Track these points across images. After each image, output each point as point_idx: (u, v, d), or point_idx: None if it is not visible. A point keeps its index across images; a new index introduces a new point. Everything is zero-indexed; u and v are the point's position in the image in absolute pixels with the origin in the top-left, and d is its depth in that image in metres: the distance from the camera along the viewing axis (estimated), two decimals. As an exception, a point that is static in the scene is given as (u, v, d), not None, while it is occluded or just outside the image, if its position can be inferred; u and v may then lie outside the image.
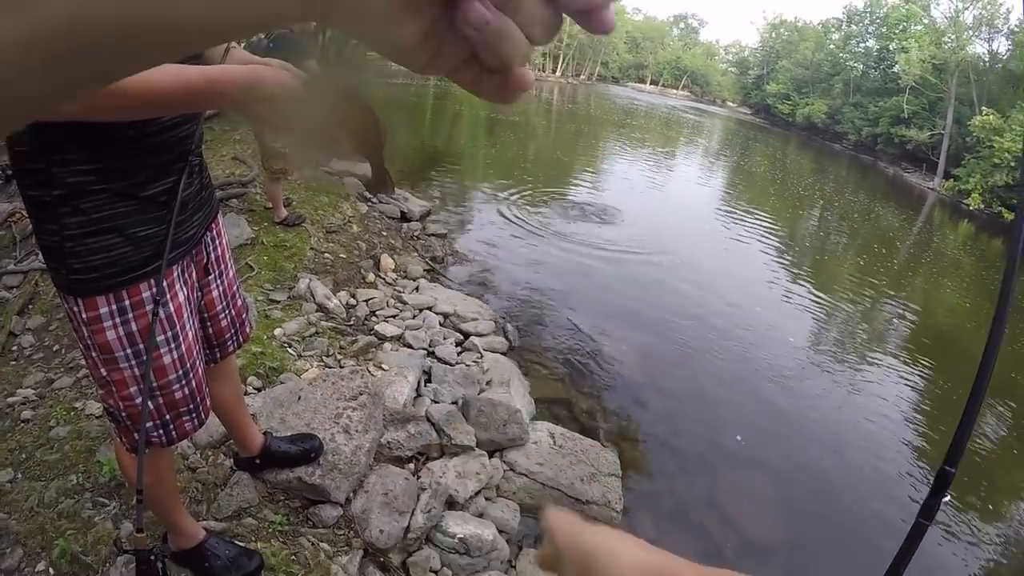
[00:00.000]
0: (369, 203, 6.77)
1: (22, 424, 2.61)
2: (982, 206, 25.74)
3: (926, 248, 14.32)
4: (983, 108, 28.08)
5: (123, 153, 1.27)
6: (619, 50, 73.70)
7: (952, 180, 29.04)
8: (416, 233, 6.67)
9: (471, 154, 13.30)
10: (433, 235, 6.79)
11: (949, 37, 34.77)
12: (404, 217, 6.99)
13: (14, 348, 3.25)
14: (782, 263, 9.12)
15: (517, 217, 8.34)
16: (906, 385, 5.92)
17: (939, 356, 6.99)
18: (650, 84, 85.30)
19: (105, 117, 1.17)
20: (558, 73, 60.24)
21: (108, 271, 1.34)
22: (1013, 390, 6.28)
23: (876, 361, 6.34)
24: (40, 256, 3.83)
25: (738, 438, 4.27)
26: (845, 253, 11.50)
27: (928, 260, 12.79)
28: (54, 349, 3.24)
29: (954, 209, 25.26)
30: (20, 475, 2.32)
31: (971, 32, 33.89)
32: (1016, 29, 31.42)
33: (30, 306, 3.57)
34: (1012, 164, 24.55)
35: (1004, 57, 32.78)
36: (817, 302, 7.70)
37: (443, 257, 6.26)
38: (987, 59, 33.65)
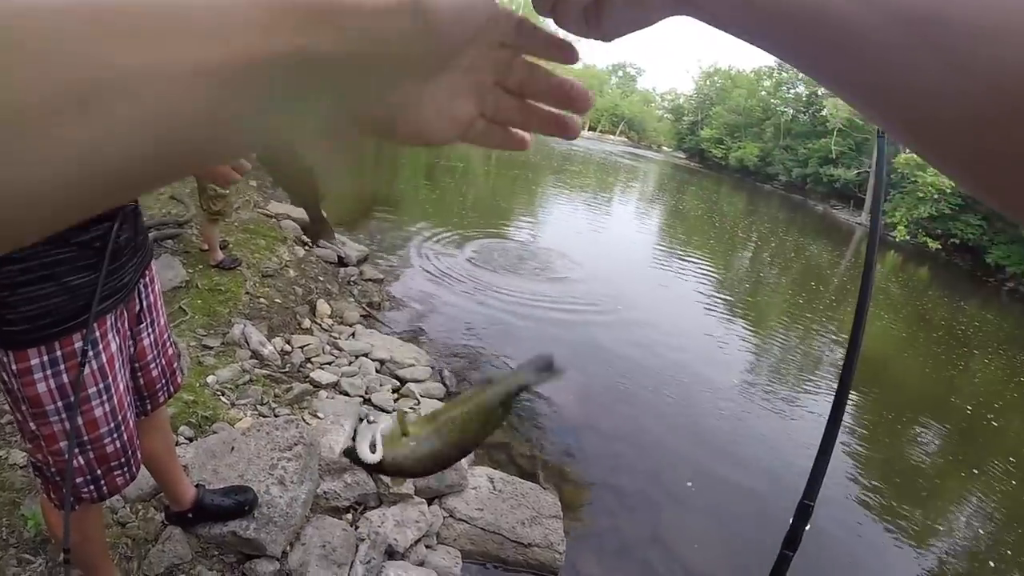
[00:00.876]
0: (306, 247, 6.71)
1: None
2: (908, 237, 27.32)
3: (855, 280, 14.92)
4: (907, 148, 29.57)
5: None
6: (558, 98, 75.40)
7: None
8: (353, 278, 6.62)
9: (410, 198, 13.31)
10: (370, 280, 6.75)
11: None
12: (341, 262, 6.94)
13: None
14: (718, 302, 9.37)
15: (455, 262, 8.37)
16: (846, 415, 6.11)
17: (870, 382, 7.30)
18: (588, 130, 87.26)
19: None
20: (499, 121, 61.21)
21: (41, 322, 1.31)
22: (947, 412, 6.63)
23: (809, 392, 6.55)
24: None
25: (679, 474, 4.34)
26: (778, 289, 11.89)
27: (857, 291, 13.30)
28: (-28, 397, 3.09)
29: (881, 242, 26.39)
30: None
31: None
32: None
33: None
34: (935, 197, 26.20)
35: None
36: (753, 338, 7.93)
37: (380, 302, 6.23)
38: None
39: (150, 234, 1.57)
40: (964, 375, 8.85)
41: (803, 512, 1.24)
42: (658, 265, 10.99)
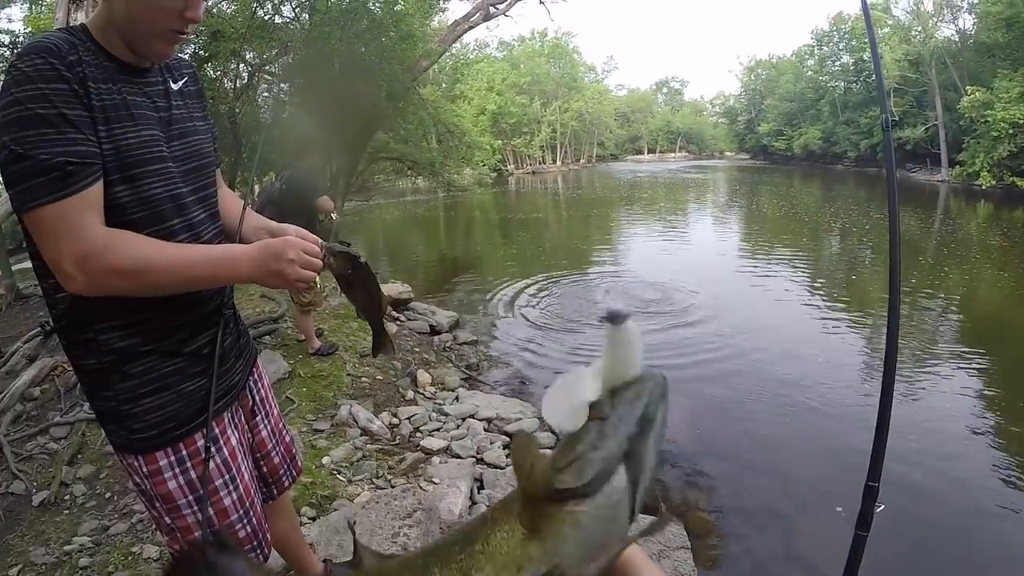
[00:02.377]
0: (398, 322, 6.90)
1: (80, 571, 2.68)
2: (994, 182, 25.37)
3: (952, 239, 14.12)
4: (967, 88, 27.90)
5: (160, 313, 1.34)
6: (611, 127, 75.41)
7: (959, 166, 28.72)
8: (448, 344, 6.75)
9: (489, 258, 13.57)
10: (465, 343, 6.87)
11: (916, 30, 34.93)
12: (433, 330, 7.10)
13: (67, 498, 3.33)
14: (817, 296, 8.99)
15: (543, 313, 8.42)
16: (966, 383, 5.74)
17: (993, 346, 6.80)
18: (648, 153, 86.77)
19: (139, 293, 1.27)
20: (558, 162, 61.63)
21: (165, 427, 1.40)
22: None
23: (934, 367, 6.14)
24: (85, 407, 3.98)
25: (805, 488, 4.11)
26: (875, 269, 11.28)
27: (957, 250, 12.62)
28: (106, 496, 3.31)
29: (968, 194, 24.93)
30: None
31: (935, 18, 33.98)
32: (976, 1, 31.10)
33: (79, 456, 3.68)
34: (1011, 132, 24.28)
35: (972, 32, 32.46)
36: (859, 325, 7.52)
37: (478, 363, 6.31)
38: (957, 39, 33.43)
39: (249, 334, 1.68)
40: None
41: (870, 493, 1.21)
42: (753, 271, 10.65)
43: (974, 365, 6.11)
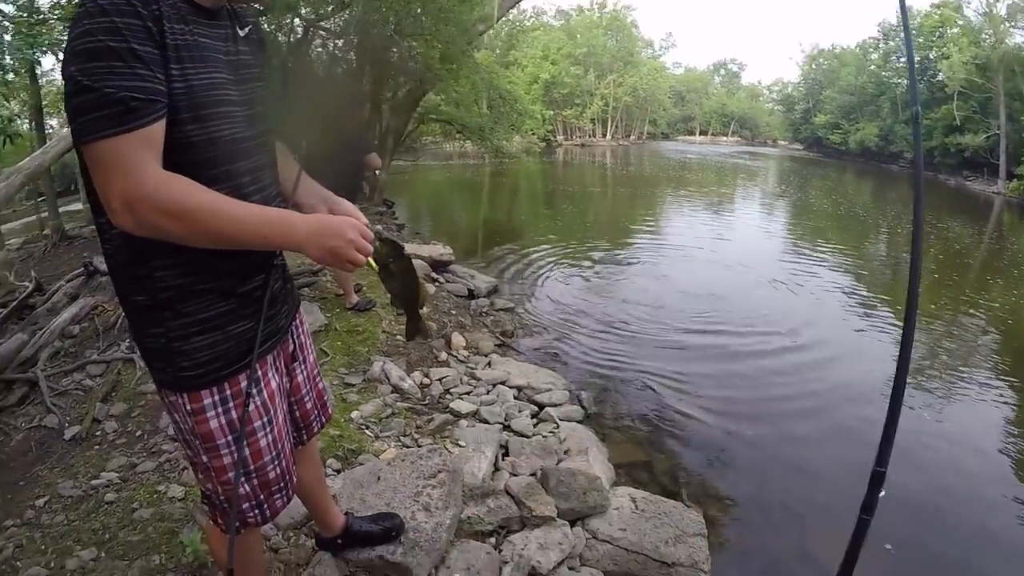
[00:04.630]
0: (436, 283, 6.93)
1: (106, 506, 2.74)
2: None
3: (999, 254, 13.61)
4: None
5: (214, 254, 1.35)
6: (665, 106, 73.98)
7: (1016, 180, 27.61)
8: (484, 309, 6.76)
9: (532, 227, 13.50)
10: (501, 310, 6.87)
11: (987, 33, 33.16)
12: (471, 295, 7.12)
13: (98, 433, 3.42)
14: (857, 296, 8.78)
15: (581, 285, 8.39)
16: (995, 401, 5.59)
17: None
18: (699, 135, 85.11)
19: (187, 242, 1.26)
20: (608, 137, 60.84)
21: (212, 366, 1.43)
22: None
23: (961, 385, 5.94)
24: (122, 346, 4.08)
25: (827, 486, 4.04)
26: (922, 276, 10.97)
27: (1003, 265, 12.17)
28: (136, 435, 3.40)
29: (1023, 210, 24.06)
30: (104, 554, 2.42)
31: (1008, 23, 32.09)
32: None
33: (113, 394, 3.77)
34: None
35: None
36: (893, 330, 7.27)
37: (513, 331, 6.31)
38: None
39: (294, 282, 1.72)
40: None
41: (876, 479, 1.24)
42: (792, 268, 10.41)
43: (999, 388, 5.89)
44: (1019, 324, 8.23)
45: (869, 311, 8.11)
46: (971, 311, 8.54)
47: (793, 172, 35.98)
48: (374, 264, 1.55)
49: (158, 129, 1.18)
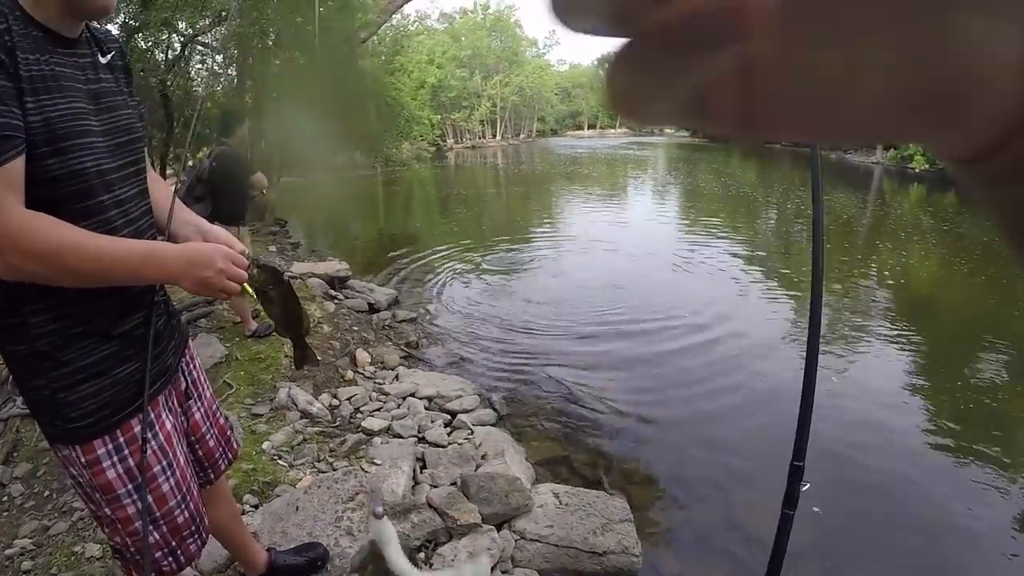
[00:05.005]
0: (336, 301, 6.81)
1: (23, 575, 2.57)
2: (927, 166, 26.03)
3: (884, 219, 14.69)
4: None
5: (88, 294, 1.31)
6: (552, 103, 75.36)
7: (893, 149, 29.58)
8: (387, 322, 6.69)
9: (429, 234, 13.45)
10: (404, 321, 6.82)
11: None
12: (372, 308, 7.03)
13: (4, 499, 3.21)
14: (754, 272, 9.18)
15: (482, 288, 8.43)
16: (897, 358, 6.03)
17: (921, 317, 7.25)
18: (588, 129, 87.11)
19: (58, 282, 1.22)
20: (498, 137, 61.36)
21: (101, 414, 1.39)
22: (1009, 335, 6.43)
23: (865, 344, 6.38)
24: (17, 402, 3.82)
25: (745, 455, 4.25)
26: (808, 248, 11.61)
27: (889, 229, 13.11)
28: (45, 495, 3.20)
29: (901, 176, 25.90)
30: None
31: None
32: None
33: (14, 454, 3.54)
34: None
35: None
36: (791, 301, 7.72)
37: (417, 341, 6.28)
38: None
39: (183, 316, 1.65)
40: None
41: (796, 473, 1.31)
42: (690, 248, 10.77)
43: (900, 342, 6.37)
44: (909, 281, 8.91)
45: (767, 285, 8.53)
46: (865, 273, 9.19)
47: (681, 159, 37.24)
48: (250, 291, 1.53)
49: (17, 166, 1.14)
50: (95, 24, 1.43)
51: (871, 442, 4.50)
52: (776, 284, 8.59)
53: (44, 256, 1.15)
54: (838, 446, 4.33)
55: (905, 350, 6.19)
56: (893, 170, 28.11)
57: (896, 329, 6.77)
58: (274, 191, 5.88)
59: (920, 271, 9.53)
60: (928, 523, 3.70)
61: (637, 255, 10.37)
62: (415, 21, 45.69)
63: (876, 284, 8.65)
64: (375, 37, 18.80)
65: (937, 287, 8.91)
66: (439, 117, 48.53)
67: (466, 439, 4.10)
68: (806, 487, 1.35)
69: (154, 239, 1.48)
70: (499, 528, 3.13)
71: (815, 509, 3.63)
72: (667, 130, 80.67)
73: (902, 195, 20.30)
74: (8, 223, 1.11)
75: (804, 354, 1.50)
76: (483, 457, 3.77)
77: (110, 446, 1.40)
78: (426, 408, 4.53)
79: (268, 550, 2.27)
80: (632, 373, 5.60)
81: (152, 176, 1.60)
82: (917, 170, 26.35)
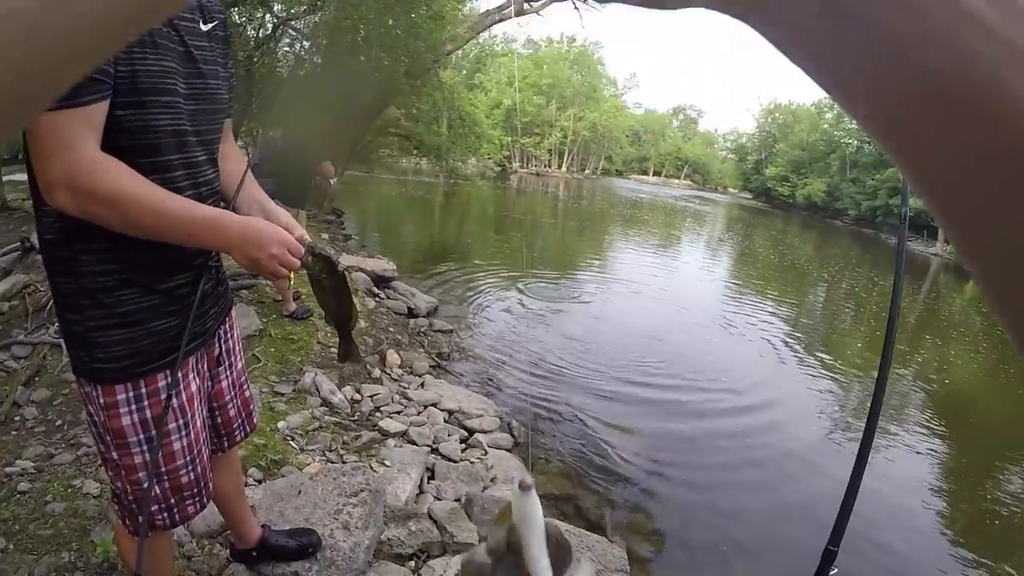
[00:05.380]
0: (376, 298, 6.86)
1: (18, 495, 2.63)
2: None
3: (934, 313, 14.36)
4: None
5: (143, 245, 1.33)
6: (622, 143, 75.61)
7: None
8: (423, 329, 6.72)
9: (479, 251, 13.52)
10: (439, 331, 6.84)
11: None
12: (411, 313, 7.07)
13: (16, 418, 3.28)
14: (792, 343, 8.98)
15: (522, 315, 8.40)
16: (925, 456, 5.82)
17: (957, 420, 6.96)
18: (653, 175, 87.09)
19: (114, 227, 1.25)
20: (563, 168, 61.66)
21: (128, 361, 1.40)
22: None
23: (895, 437, 6.17)
24: (50, 330, 3.92)
25: (752, 530, 4.13)
26: (854, 329, 11.35)
27: (938, 324, 12.78)
28: (56, 424, 3.27)
29: (958, 271, 25.30)
30: (11, 546, 2.32)
31: None
32: None
33: (36, 378, 3.62)
34: None
35: None
36: (831, 381, 7.54)
37: (449, 353, 6.28)
38: None
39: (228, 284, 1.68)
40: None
41: (828, 557, 1.28)
42: (727, 310, 10.66)
43: (934, 440, 6.17)
44: (948, 379, 8.63)
45: (807, 361, 8.33)
46: (908, 364, 8.95)
47: (741, 220, 37.00)
48: (292, 277, 1.54)
49: (100, 110, 1.17)
50: None
51: (893, 532, 4.35)
52: (816, 361, 8.38)
53: (112, 198, 1.18)
54: (861, 533, 4.19)
55: (936, 449, 5.99)
56: (951, 263, 27.53)
57: (931, 426, 6.55)
58: (338, 181, 5.95)
59: (964, 371, 9.22)
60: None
61: (682, 308, 10.26)
62: (501, 42, 46.49)
63: (917, 378, 8.40)
64: (460, 51, 19.13)
65: (979, 390, 8.61)
66: (509, 139, 49.07)
67: (479, 459, 4.06)
68: (834, 572, 1.31)
69: (216, 207, 1.50)
70: (495, 553, 3.07)
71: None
72: (731, 189, 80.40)
73: (956, 290, 19.79)
74: (80, 160, 1.14)
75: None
76: (492, 479, 3.73)
77: (131, 394, 1.42)
78: (445, 420, 4.51)
79: (263, 526, 2.26)
80: (656, 426, 5.50)
81: (230, 147, 1.63)
82: (972, 263, 25.82)
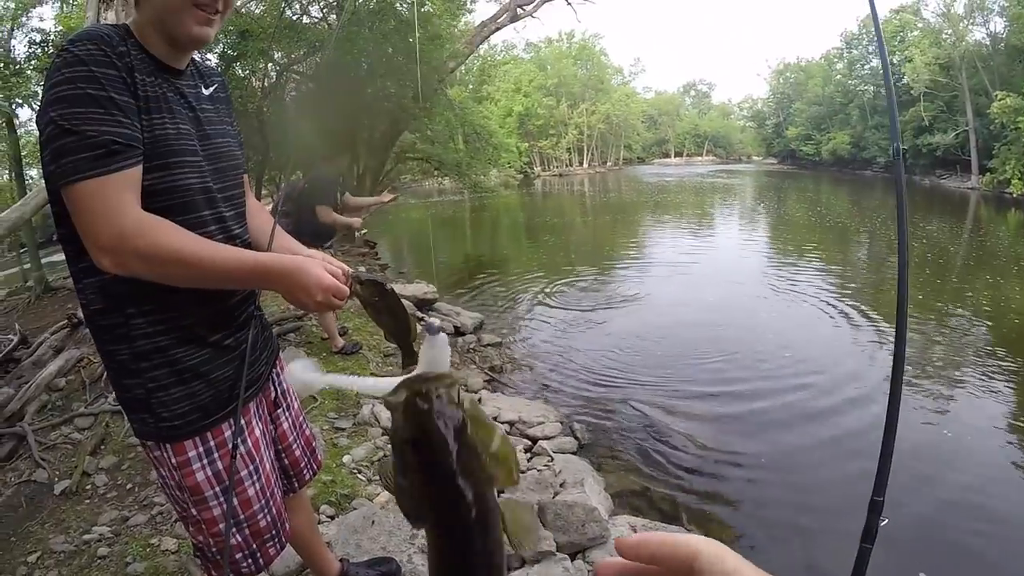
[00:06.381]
0: (421, 323, 6.89)
1: (98, 560, 2.71)
2: None
3: (981, 248, 13.93)
4: (997, 92, 27.25)
5: (190, 300, 1.37)
6: (638, 130, 74.76)
7: (989, 173, 28.26)
8: (472, 346, 6.74)
9: (515, 260, 13.54)
10: (489, 345, 6.85)
11: (946, 33, 34.01)
12: (458, 331, 7.09)
13: (88, 487, 3.37)
14: (848, 307, 8.62)
15: (568, 316, 8.38)
16: (996, 396, 5.63)
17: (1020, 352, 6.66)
18: (675, 157, 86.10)
19: (167, 282, 1.28)
20: (585, 165, 61.35)
21: (193, 416, 1.43)
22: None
23: (958, 379, 6.01)
24: (109, 398, 4.03)
25: (829, 498, 4.00)
26: (913, 278, 11.03)
27: (985, 260, 12.37)
28: (127, 487, 3.35)
29: (998, 202, 24.43)
30: None
31: (966, 21, 33.17)
32: (1007, 4, 30.18)
33: (102, 446, 3.73)
34: None
35: (1004, 36, 31.42)
36: (887, 336, 7.26)
37: (501, 366, 6.29)
38: (988, 42, 32.48)
39: (273, 330, 1.72)
40: None
41: (875, 507, 1.26)
42: (774, 279, 10.45)
43: (997, 377, 5.96)
44: (1006, 313, 8.33)
45: (862, 322, 8.03)
46: (959, 305, 8.70)
47: (770, 187, 36.29)
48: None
49: (137, 173, 1.22)
50: (199, 59, 1.52)
51: (957, 479, 4.24)
52: (870, 320, 8.08)
53: (161, 256, 1.21)
54: (922, 482, 4.10)
55: (1001, 385, 5.78)
56: (990, 195, 26.63)
57: (993, 363, 6.33)
58: (366, 213, 5.99)
59: (1015, 306, 8.86)
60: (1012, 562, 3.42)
61: (729, 284, 10.08)
62: (502, 51, 46.65)
63: (968, 318, 8.14)
64: (463, 67, 19.23)
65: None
66: (526, 145, 49.11)
67: (546, 466, 4.04)
68: (884, 522, 1.28)
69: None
70: (573, 557, 3.05)
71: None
72: (754, 156, 79.13)
73: (999, 221, 19.15)
74: (124, 221, 1.18)
75: (884, 388, 1.44)
76: (562, 485, 3.70)
77: (200, 448, 1.45)
78: (507, 433, 4.50)
79: (341, 560, 2.28)
80: (716, 410, 5.39)
81: (252, 202, 1.66)
82: (1015, 194, 24.82)
